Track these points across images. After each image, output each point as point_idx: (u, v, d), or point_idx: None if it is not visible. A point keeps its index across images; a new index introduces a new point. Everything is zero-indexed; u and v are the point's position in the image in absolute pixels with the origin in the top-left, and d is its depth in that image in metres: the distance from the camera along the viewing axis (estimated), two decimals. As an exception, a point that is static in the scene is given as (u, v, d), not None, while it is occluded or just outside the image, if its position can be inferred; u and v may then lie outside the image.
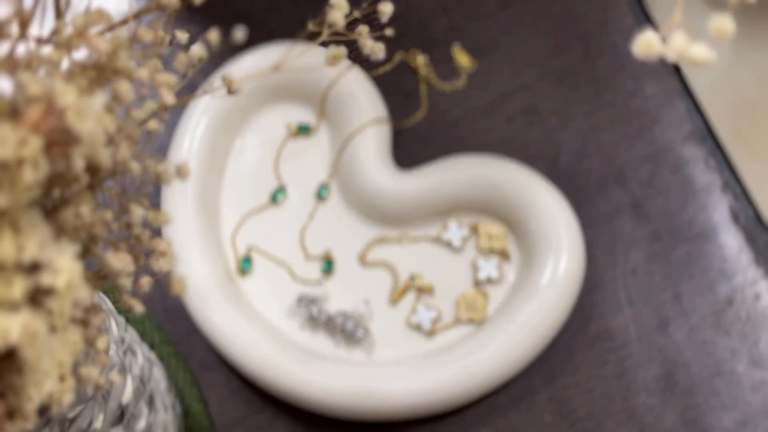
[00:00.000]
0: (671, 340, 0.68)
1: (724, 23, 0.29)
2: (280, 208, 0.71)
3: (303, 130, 0.72)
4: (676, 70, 0.73)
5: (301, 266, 0.70)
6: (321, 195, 0.71)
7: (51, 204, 0.34)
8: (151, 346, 0.68)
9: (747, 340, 0.68)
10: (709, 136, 0.71)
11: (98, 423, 0.51)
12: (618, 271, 0.69)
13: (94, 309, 0.35)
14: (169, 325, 0.70)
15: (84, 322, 0.35)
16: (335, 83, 0.70)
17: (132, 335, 0.58)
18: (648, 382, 0.67)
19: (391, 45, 0.75)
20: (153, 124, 0.33)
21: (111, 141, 0.34)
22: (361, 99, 0.70)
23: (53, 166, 0.32)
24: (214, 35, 0.43)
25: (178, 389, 0.68)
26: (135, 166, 0.36)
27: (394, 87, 0.74)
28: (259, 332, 0.66)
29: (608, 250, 0.70)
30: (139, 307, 0.35)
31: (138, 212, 0.35)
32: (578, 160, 0.71)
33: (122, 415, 0.54)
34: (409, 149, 0.72)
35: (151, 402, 0.59)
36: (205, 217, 0.68)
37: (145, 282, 0.35)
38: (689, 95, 0.72)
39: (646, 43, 0.30)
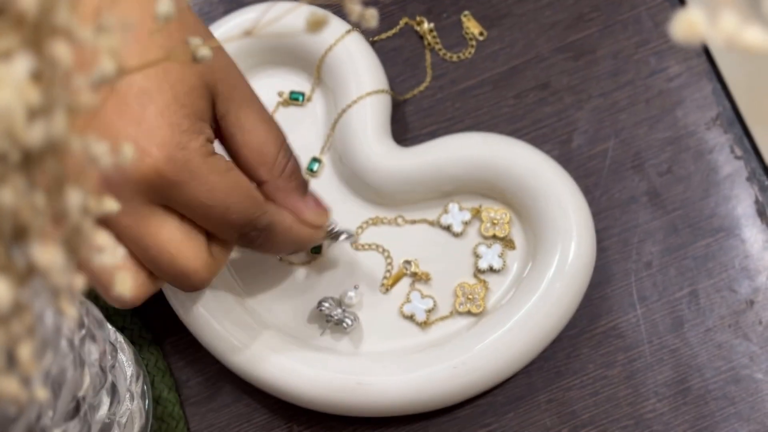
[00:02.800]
0: (685, 342, 0.63)
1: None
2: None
3: (295, 99, 0.66)
4: (704, 48, 0.68)
5: (288, 246, 0.65)
6: (311, 169, 0.65)
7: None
8: (121, 328, 0.63)
9: (768, 345, 0.63)
10: (736, 122, 0.66)
11: (47, 419, 0.46)
12: (631, 264, 0.64)
13: (18, 310, 0.30)
14: (144, 305, 0.64)
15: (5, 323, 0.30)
16: (332, 48, 0.64)
17: (95, 317, 0.53)
18: (658, 387, 0.62)
19: (396, 8, 0.69)
20: (87, 97, 0.28)
21: (48, 112, 0.29)
22: (361, 67, 0.64)
23: (-38, 144, 0.26)
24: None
25: (149, 374, 0.63)
26: (77, 144, 0.30)
27: (397, 54, 0.68)
28: (238, 315, 0.61)
29: (621, 241, 0.64)
30: (71, 311, 0.30)
31: (75, 197, 0.30)
32: (593, 143, 0.66)
33: (78, 408, 0.49)
34: (410, 123, 0.67)
35: (113, 391, 0.54)
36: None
37: (78, 282, 0.29)
38: (717, 76, 0.66)
39: (687, 24, 0.24)
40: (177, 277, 0.53)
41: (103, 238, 0.30)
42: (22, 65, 0.26)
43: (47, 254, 0.29)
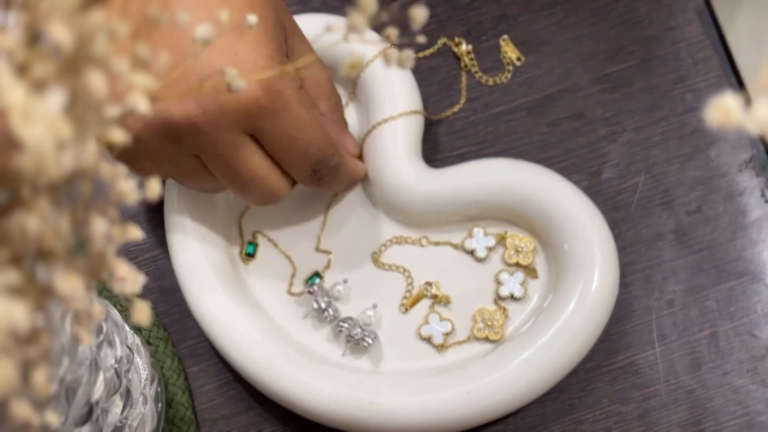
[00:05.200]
0: (702, 384, 0.62)
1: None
2: (295, 194, 0.65)
3: (329, 111, 0.66)
4: (742, 87, 0.67)
5: (310, 258, 0.64)
6: (339, 183, 0.65)
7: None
8: (139, 328, 0.63)
9: (784, 393, 0.62)
10: (770, 166, 0.65)
11: (59, 425, 0.46)
12: (653, 301, 0.64)
13: (35, 334, 0.30)
14: (162, 306, 0.65)
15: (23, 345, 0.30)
16: (369, 64, 0.64)
17: (114, 320, 0.53)
18: (672, 427, 0.62)
19: (435, 28, 0.69)
20: (119, 136, 0.28)
21: (78, 140, 0.29)
22: (396, 85, 0.64)
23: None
24: (224, 14, 0.38)
25: (163, 377, 0.63)
26: (106, 170, 0.30)
27: (433, 74, 0.68)
28: (256, 325, 0.61)
29: (644, 278, 0.64)
30: (86, 339, 0.30)
31: (100, 225, 0.30)
32: (623, 176, 0.65)
33: (90, 412, 0.49)
34: (441, 144, 0.67)
35: (127, 395, 0.54)
36: (211, 194, 0.63)
37: (98, 312, 0.29)
38: (753, 119, 0.66)
39: (723, 111, 0.24)
40: (265, 197, 0.57)
41: (122, 270, 0.30)
42: (55, 100, 0.26)
43: (69, 282, 0.29)
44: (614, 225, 0.64)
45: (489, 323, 0.62)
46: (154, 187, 0.29)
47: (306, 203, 0.65)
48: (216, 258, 0.62)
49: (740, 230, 0.64)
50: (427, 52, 0.68)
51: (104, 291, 0.63)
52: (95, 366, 0.48)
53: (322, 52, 0.63)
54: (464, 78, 0.68)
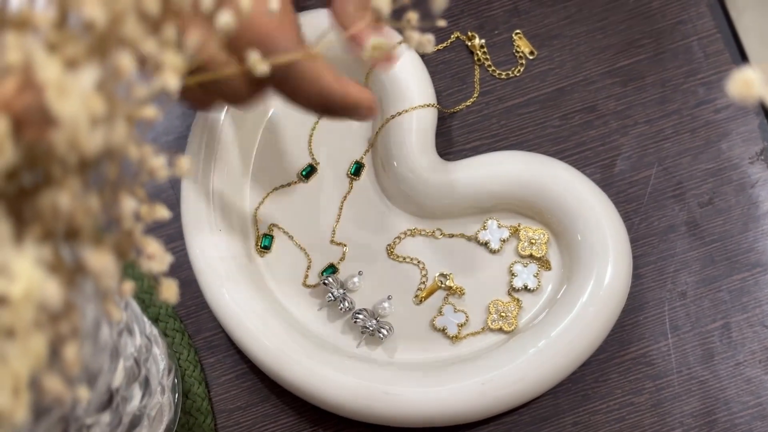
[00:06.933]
0: (715, 374, 0.63)
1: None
2: (310, 186, 0.66)
3: (343, 105, 0.67)
4: (753, 81, 0.68)
5: (325, 250, 0.65)
6: (352, 172, 0.66)
7: (28, 183, 0.30)
8: (156, 319, 0.64)
9: (797, 384, 0.62)
10: (781, 158, 0.66)
11: (81, 410, 0.46)
12: (665, 293, 0.64)
13: (66, 310, 0.30)
14: (179, 299, 0.65)
15: (54, 321, 0.31)
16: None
17: (133, 310, 0.54)
18: (684, 417, 0.62)
19: (448, 22, 0.69)
20: (150, 111, 0.28)
21: (108, 118, 0.30)
22: (409, 78, 0.65)
23: (25, 150, 0.27)
24: (245, 3, 0.38)
25: (180, 368, 0.63)
26: (134, 150, 0.31)
27: (446, 68, 0.68)
28: (272, 316, 0.61)
29: (657, 269, 0.64)
30: (118, 314, 0.31)
31: (129, 204, 0.31)
32: (635, 169, 0.66)
33: (111, 399, 0.49)
34: (454, 137, 0.67)
35: (146, 384, 0.55)
36: (227, 187, 0.63)
37: (127, 288, 0.30)
38: (765, 111, 0.66)
39: (743, 83, 0.24)
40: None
41: (152, 247, 0.30)
42: (88, 76, 0.26)
43: (100, 259, 0.29)
44: (627, 217, 0.65)
45: (503, 314, 0.63)
46: (183, 165, 0.29)
47: (321, 196, 0.66)
48: (232, 250, 0.62)
49: (752, 222, 0.65)
50: (441, 46, 0.69)
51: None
52: (115, 353, 0.49)
53: (333, 45, 0.64)
54: (477, 72, 0.68)
